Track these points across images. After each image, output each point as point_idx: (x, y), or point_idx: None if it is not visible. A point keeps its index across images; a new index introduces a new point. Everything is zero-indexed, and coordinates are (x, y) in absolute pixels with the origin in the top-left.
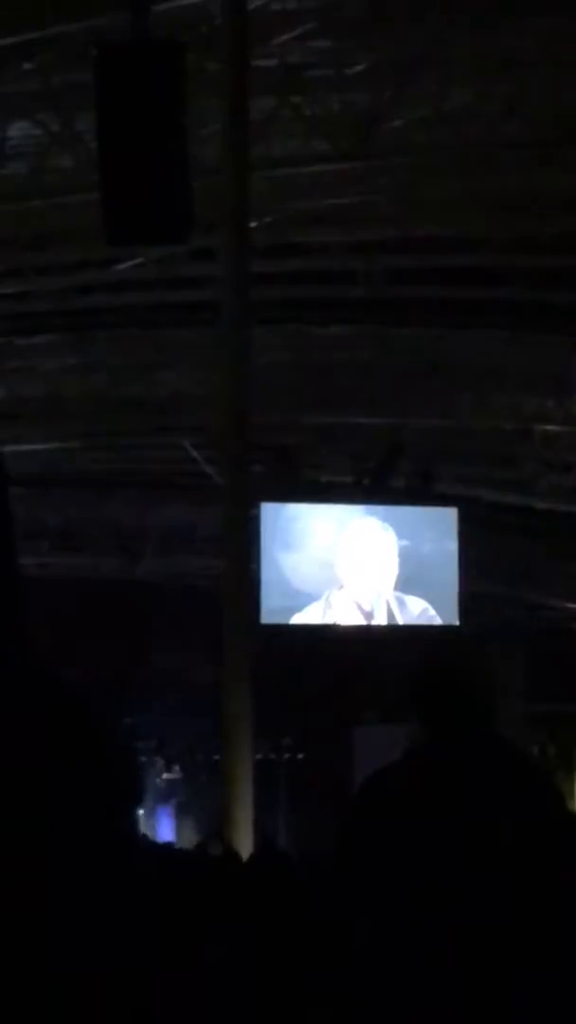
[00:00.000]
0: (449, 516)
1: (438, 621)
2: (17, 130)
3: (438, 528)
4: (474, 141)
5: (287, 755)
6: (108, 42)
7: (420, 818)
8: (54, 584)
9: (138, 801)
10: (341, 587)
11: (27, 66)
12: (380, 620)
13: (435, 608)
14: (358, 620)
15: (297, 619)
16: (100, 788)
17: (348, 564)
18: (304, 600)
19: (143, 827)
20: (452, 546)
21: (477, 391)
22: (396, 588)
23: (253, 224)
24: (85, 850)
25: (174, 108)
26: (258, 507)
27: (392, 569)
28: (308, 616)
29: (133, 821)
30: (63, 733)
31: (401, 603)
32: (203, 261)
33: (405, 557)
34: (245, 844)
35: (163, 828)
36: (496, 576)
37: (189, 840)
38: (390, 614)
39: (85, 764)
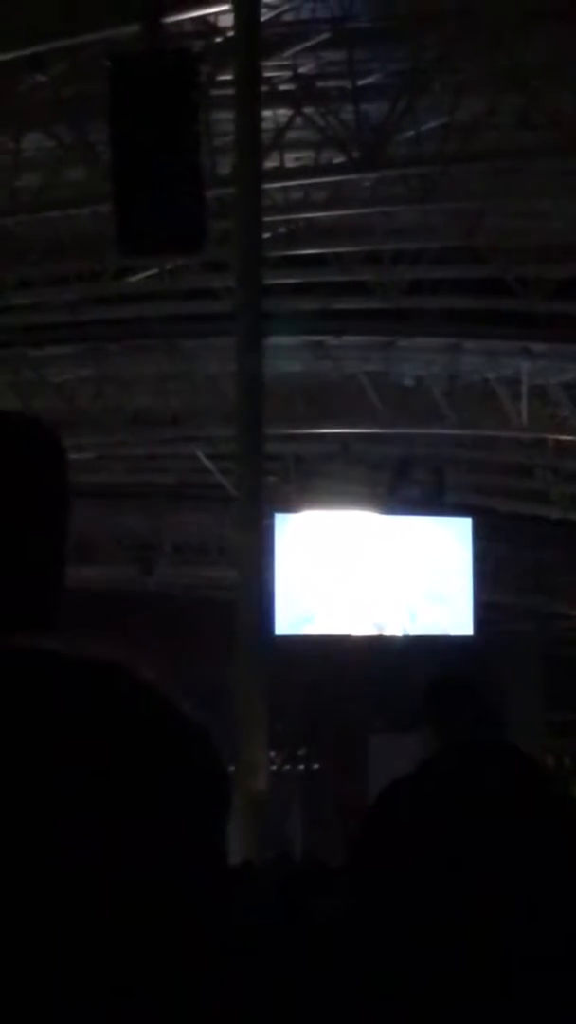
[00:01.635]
0: (463, 526)
1: (452, 631)
2: (31, 141)
3: (452, 538)
4: (487, 151)
5: (302, 766)
6: (121, 53)
7: (435, 830)
8: (68, 595)
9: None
10: (355, 598)
11: (40, 78)
12: (394, 630)
13: (449, 618)
14: (372, 631)
15: (311, 630)
16: (201, 799)
17: (362, 574)
18: (318, 610)
19: None
20: (466, 556)
21: (491, 401)
22: (410, 598)
23: (266, 235)
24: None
25: (187, 119)
26: (272, 517)
27: (406, 579)
28: (322, 626)
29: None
30: (160, 737)
31: (415, 613)
32: (216, 272)
33: (419, 567)
34: (258, 855)
35: None
36: (511, 586)
37: None
38: (404, 624)
39: (186, 772)
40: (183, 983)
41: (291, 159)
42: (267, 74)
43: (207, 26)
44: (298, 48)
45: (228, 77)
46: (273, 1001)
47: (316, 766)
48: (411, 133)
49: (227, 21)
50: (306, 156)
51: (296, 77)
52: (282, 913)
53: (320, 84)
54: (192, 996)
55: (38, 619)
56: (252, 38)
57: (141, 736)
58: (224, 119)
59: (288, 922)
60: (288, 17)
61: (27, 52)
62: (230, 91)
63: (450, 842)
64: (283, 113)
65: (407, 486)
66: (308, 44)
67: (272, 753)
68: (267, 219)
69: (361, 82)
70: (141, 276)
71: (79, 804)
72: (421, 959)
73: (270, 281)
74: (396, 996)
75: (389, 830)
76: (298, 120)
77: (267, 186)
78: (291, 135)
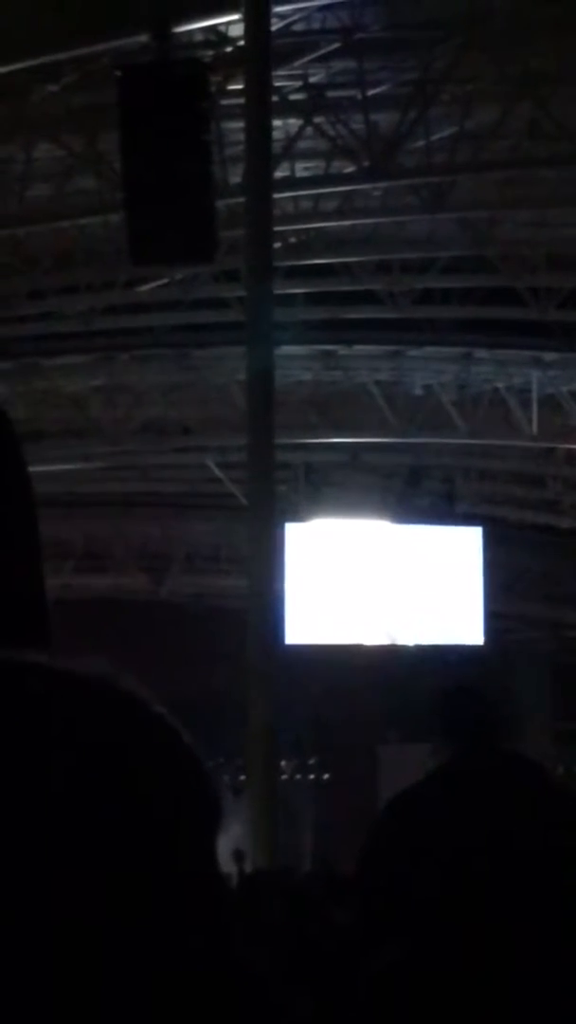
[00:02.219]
0: (474, 535)
1: (462, 640)
2: (41, 151)
3: (462, 547)
4: (498, 160)
5: (312, 775)
6: (131, 64)
7: (445, 838)
8: (79, 604)
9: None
10: (365, 607)
11: (51, 88)
12: (405, 639)
13: (460, 627)
14: (383, 639)
15: (322, 638)
16: (190, 811)
17: (372, 584)
18: (329, 619)
19: None
20: (476, 565)
21: (502, 410)
22: (420, 607)
23: (277, 245)
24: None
25: (197, 129)
26: (283, 526)
27: (416, 589)
28: (332, 636)
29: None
30: (144, 748)
31: (425, 622)
32: (227, 282)
33: (429, 577)
34: (270, 864)
35: None
36: (520, 595)
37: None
38: (414, 634)
39: (172, 783)
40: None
41: (301, 169)
42: (277, 84)
43: (217, 36)
44: (308, 58)
45: (238, 87)
46: (279, 1012)
47: (326, 776)
48: (421, 143)
49: (237, 31)
50: (316, 166)
51: (306, 87)
52: (283, 926)
53: (330, 94)
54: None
55: (13, 629)
56: (262, 48)
57: (120, 752)
58: (234, 129)
59: (290, 934)
60: (298, 27)
61: (38, 62)
62: (240, 101)
63: (457, 850)
64: (293, 123)
65: (417, 495)
66: (318, 54)
67: (283, 762)
68: (277, 229)
69: (371, 92)
70: (152, 286)
71: (57, 829)
72: (434, 966)
73: (280, 291)
74: (401, 1001)
75: (397, 838)
76: (308, 130)
77: (277, 196)
78: (301, 145)
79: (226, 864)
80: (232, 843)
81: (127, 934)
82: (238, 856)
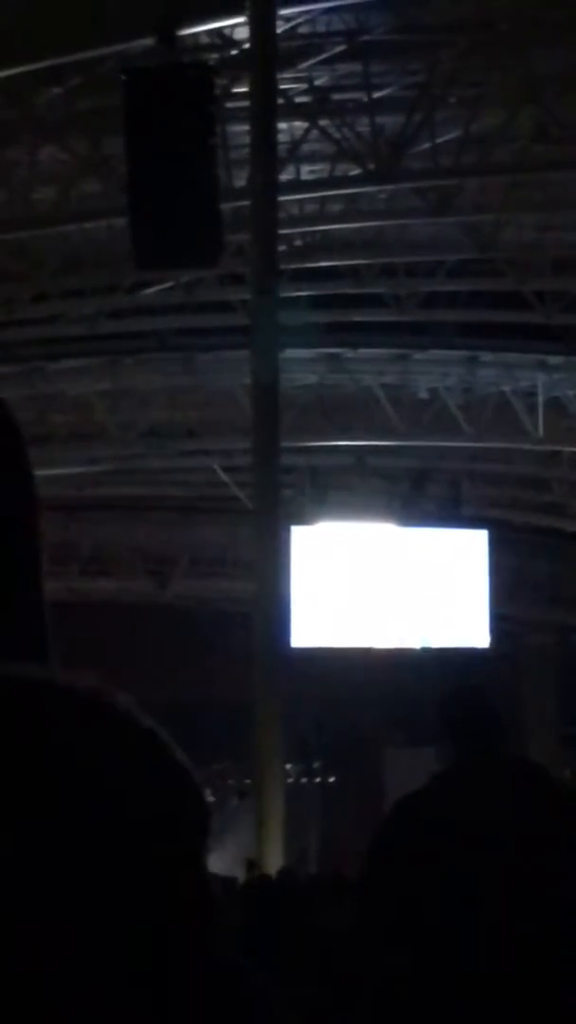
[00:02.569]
0: (479, 538)
1: (468, 643)
2: (46, 154)
3: (468, 550)
4: (503, 164)
5: (318, 778)
6: (137, 67)
7: (450, 842)
8: (84, 608)
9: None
10: (371, 610)
11: (56, 91)
12: (410, 642)
13: (466, 630)
14: (388, 642)
15: (328, 642)
16: (177, 823)
17: (378, 587)
18: (335, 623)
19: None
20: (482, 568)
21: (507, 413)
22: (426, 610)
23: (282, 248)
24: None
25: (203, 132)
26: (288, 530)
27: (422, 592)
28: (339, 639)
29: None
30: (128, 758)
31: (431, 626)
32: (232, 285)
33: (435, 580)
34: (277, 867)
35: None
36: (526, 598)
37: (221, 863)
38: (420, 636)
39: (157, 794)
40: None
41: (307, 171)
42: (283, 87)
43: (223, 39)
44: (314, 61)
45: (244, 90)
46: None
47: (332, 779)
48: (427, 146)
49: (243, 34)
50: (322, 168)
51: (312, 89)
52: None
53: (336, 96)
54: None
55: (10, 642)
56: (268, 51)
57: (111, 774)
58: (240, 132)
59: (287, 935)
60: (304, 30)
61: (43, 65)
62: (246, 104)
63: (463, 854)
64: (299, 126)
65: (423, 498)
66: (324, 57)
67: (289, 766)
68: (283, 232)
69: (377, 95)
70: (157, 289)
71: (41, 852)
72: (437, 968)
73: (286, 294)
74: (405, 1008)
75: (402, 842)
76: (314, 133)
77: (283, 199)
78: (307, 147)
79: (236, 871)
80: (242, 851)
81: (116, 960)
82: (250, 866)
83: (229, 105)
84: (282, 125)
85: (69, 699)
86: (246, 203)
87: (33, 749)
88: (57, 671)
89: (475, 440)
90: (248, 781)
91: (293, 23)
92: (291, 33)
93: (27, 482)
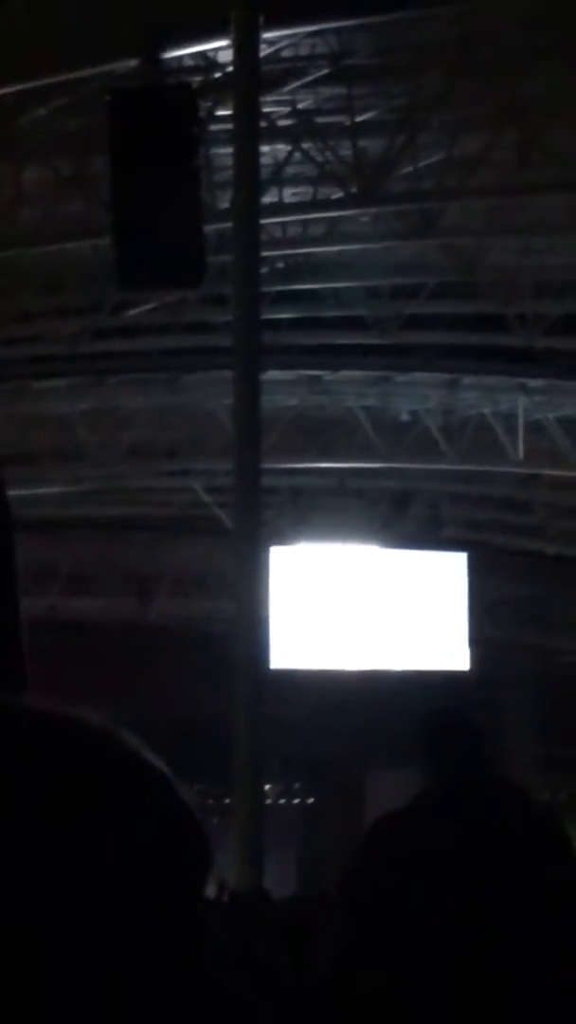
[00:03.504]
0: (459, 561)
1: (448, 666)
2: (31, 174)
3: (448, 573)
4: (486, 187)
5: (297, 799)
6: (121, 88)
7: (428, 862)
8: (65, 627)
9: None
10: (351, 632)
11: (41, 111)
12: (391, 664)
13: (445, 653)
14: (368, 664)
15: (308, 663)
16: (175, 860)
17: (358, 608)
18: (314, 644)
19: None
20: (462, 591)
21: (488, 436)
22: (406, 633)
23: (264, 270)
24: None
25: (186, 153)
26: (268, 550)
27: (402, 614)
28: (318, 661)
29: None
30: (124, 790)
31: (411, 648)
32: (215, 306)
33: (415, 602)
34: (254, 887)
35: None
36: (506, 621)
37: None
38: (400, 658)
39: (154, 828)
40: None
41: (289, 194)
42: (266, 109)
43: (206, 61)
44: (297, 84)
45: (227, 112)
46: None
47: (312, 800)
48: (409, 169)
49: (226, 56)
50: (305, 191)
51: (295, 112)
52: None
53: (319, 119)
54: None
55: None
56: (251, 73)
57: (98, 802)
58: (223, 154)
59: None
60: (287, 53)
61: (28, 86)
62: (229, 126)
63: (440, 874)
64: (282, 148)
65: (403, 520)
66: (307, 80)
67: (268, 787)
68: (265, 254)
69: (360, 118)
70: (140, 310)
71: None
72: (410, 988)
73: (268, 315)
74: (393, 1014)
75: (380, 862)
76: (297, 155)
77: (265, 221)
78: (290, 170)
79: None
80: (223, 871)
81: (109, 1002)
82: (221, 886)
83: (213, 127)
84: (265, 148)
85: (76, 735)
86: (229, 225)
87: (33, 789)
88: (58, 703)
89: (456, 463)
90: (227, 802)
91: (277, 46)
92: (275, 56)
93: (1, 503)
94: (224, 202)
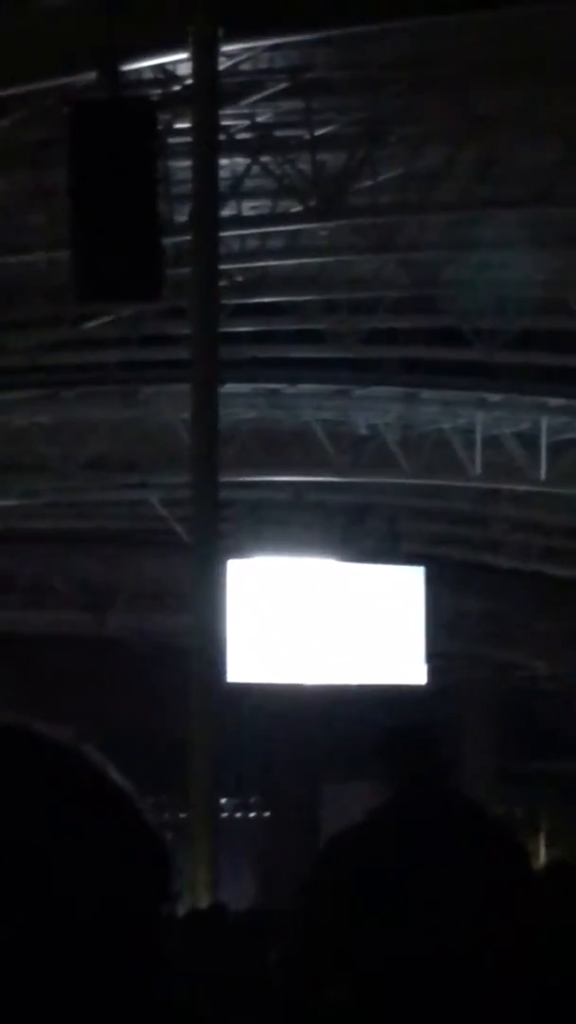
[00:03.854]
0: (416, 575)
1: (405, 680)
2: None
3: (405, 587)
4: (445, 202)
5: (253, 813)
6: (80, 100)
7: (385, 877)
8: (22, 640)
9: (172, 895)
10: (308, 645)
11: (2, 123)
12: (347, 678)
13: (402, 667)
14: (325, 678)
15: (264, 677)
16: (135, 882)
17: (315, 622)
18: (271, 658)
19: None
20: (419, 605)
21: (446, 450)
22: (363, 647)
23: (223, 283)
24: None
25: (145, 166)
26: (225, 564)
27: (359, 628)
28: (275, 674)
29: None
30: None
31: (368, 662)
32: (173, 319)
33: (372, 616)
34: (208, 902)
35: None
36: (463, 635)
37: None
38: (357, 672)
39: (115, 848)
40: None
41: (248, 207)
42: (225, 123)
43: (166, 74)
44: (256, 97)
45: (186, 125)
46: None
47: (268, 813)
48: (369, 183)
49: (185, 69)
50: (263, 205)
51: (254, 126)
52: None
53: (278, 133)
54: None
55: None
56: (210, 87)
57: (80, 828)
58: (182, 167)
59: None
60: (246, 66)
61: None
62: (188, 139)
63: (398, 889)
64: (240, 162)
65: (361, 534)
66: (266, 93)
67: (223, 800)
68: (224, 267)
69: (319, 132)
70: (98, 322)
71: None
72: (371, 1005)
73: (227, 329)
74: None
75: (337, 876)
76: (255, 169)
77: (224, 234)
78: (248, 184)
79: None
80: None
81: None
82: (176, 899)
83: (172, 140)
84: (224, 161)
85: (39, 751)
86: (187, 238)
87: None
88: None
89: (414, 477)
90: (182, 816)
91: (236, 60)
92: (234, 70)
93: None
94: (183, 215)
